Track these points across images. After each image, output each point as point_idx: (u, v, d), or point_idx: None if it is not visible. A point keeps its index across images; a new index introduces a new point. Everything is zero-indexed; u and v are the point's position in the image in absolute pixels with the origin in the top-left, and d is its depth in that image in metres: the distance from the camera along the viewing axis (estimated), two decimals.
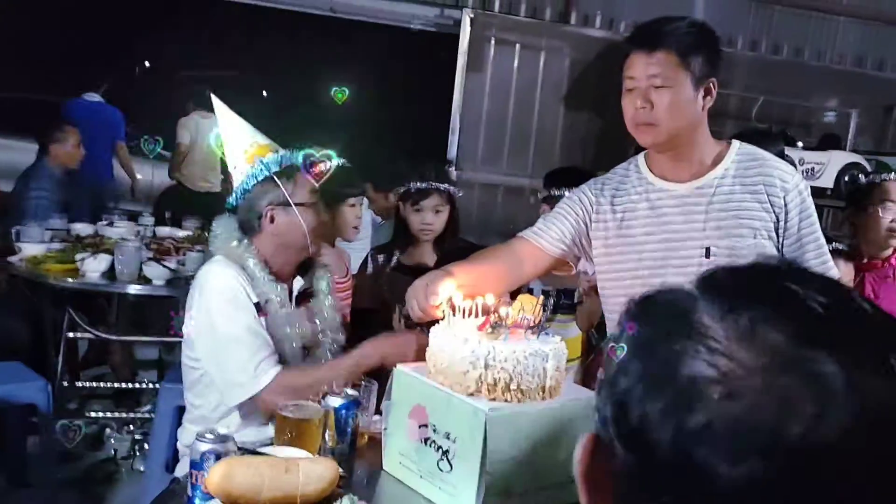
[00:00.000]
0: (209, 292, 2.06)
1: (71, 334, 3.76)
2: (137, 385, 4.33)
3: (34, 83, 6.54)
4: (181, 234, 4.15)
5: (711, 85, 1.82)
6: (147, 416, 3.90)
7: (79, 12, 8.97)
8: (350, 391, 1.76)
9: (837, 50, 6.60)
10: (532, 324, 1.57)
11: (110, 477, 3.47)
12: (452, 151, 6.13)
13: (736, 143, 1.93)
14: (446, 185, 2.96)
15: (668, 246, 1.89)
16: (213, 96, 2.27)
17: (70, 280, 3.27)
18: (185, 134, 6.31)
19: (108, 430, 3.74)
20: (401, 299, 2.98)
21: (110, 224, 3.99)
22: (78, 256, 3.28)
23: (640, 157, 2.01)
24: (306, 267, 2.28)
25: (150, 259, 3.36)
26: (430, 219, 2.92)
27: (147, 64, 10.69)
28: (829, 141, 5.99)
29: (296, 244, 2.18)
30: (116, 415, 3.87)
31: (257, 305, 2.10)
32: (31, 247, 3.40)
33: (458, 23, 6.05)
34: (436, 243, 3.00)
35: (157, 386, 4.16)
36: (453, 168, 6.04)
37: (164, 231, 4.15)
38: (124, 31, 9.16)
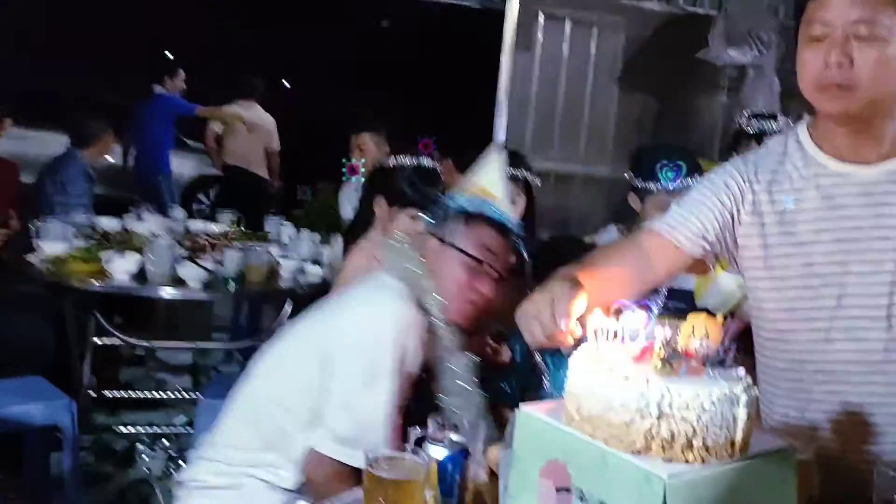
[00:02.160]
0: (376, 338, 1.68)
1: (98, 340, 3.43)
2: (171, 395, 4.00)
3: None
4: (216, 228, 3.79)
5: None
6: (183, 429, 3.56)
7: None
8: (454, 436, 1.37)
9: None
10: (713, 354, 1.17)
11: (146, 501, 3.11)
12: (500, 135, 5.72)
13: None
14: (523, 172, 2.56)
15: (849, 248, 1.48)
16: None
17: (96, 282, 2.91)
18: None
19: (139, 447, 3.39)
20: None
21: (138, 218, 3.63)
22: (104, 256, 2.92)
23: (802, 130, 1.59)
24: None
25: (184, 258, 2.99)
26: None
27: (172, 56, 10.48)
28: None
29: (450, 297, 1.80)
30: (149, 430, 3.52)
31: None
32: (52, 245, 3.04)
33: None
34: None
35: (193, 395, 3.84)
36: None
37: (197, 226, 3.79)
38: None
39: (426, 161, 2.40)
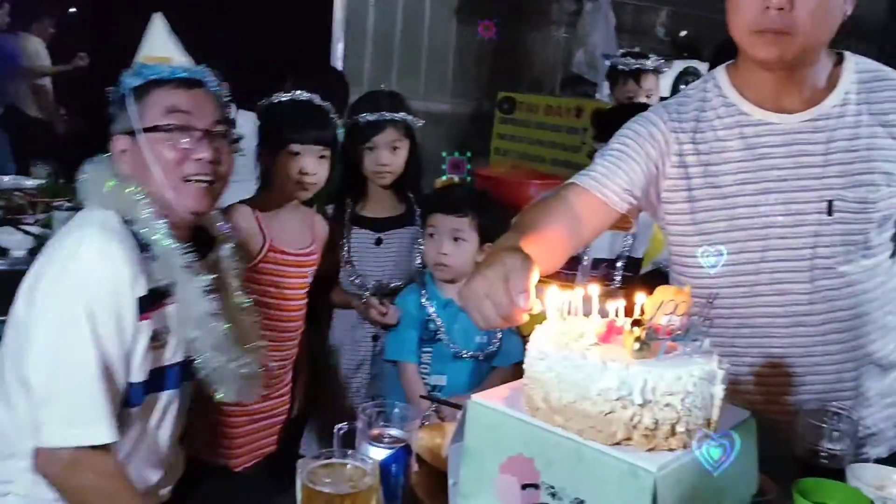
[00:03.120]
0: (68, 286, 1.39)
1: None
2: None
3: None
4: (30, 183, 3.31)
5: None
6: None
7: None
8: (394, 430, 1.23)
9: None
10: (680, 328, 1.09)
11: None
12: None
13: (850, 58, 1.49)
14: (403, 115, 2.39)
15: (772, 199, 1.45)
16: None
17: None
18: None
19: None
20: (365, 264, 2.45)
21: None
22: None
23: (722, 75, 1.54)
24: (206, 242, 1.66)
25: (1, 222, 2.57)
26: (386, 158, 2.36)
27: None
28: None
29: (156, 187, 1.51)
30: None
31: (144, 300, 1.45)
32: None
33: None
34: (395, 189, 2.45)
35: None
36: None
37: (6, 182, 3.28)
38: None
39: (302, 94, 2.18)
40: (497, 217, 2.15)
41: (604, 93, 5.09)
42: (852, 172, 1.42)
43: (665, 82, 5.35)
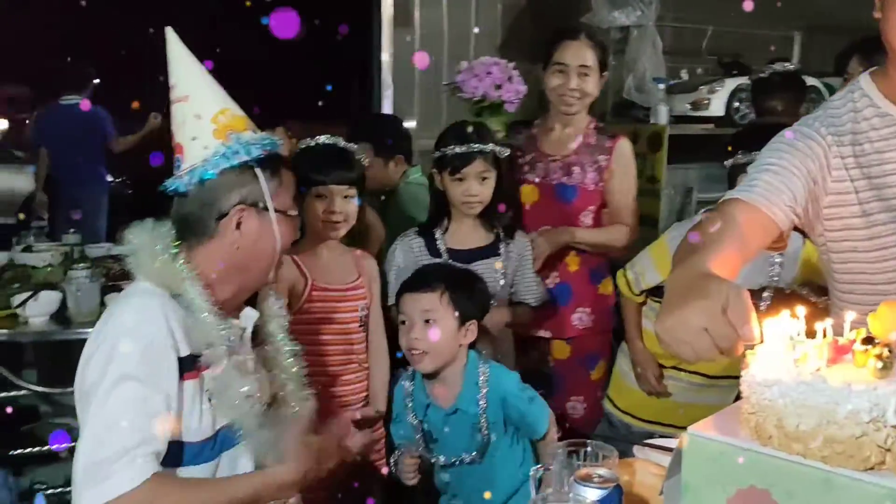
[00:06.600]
0: (113, 337, 1.42)
1: None
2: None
3: None
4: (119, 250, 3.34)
5: None
6: None
7: None
8: (602, 470, 1.19)
9: None
10: None
11: None
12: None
13: None
14: (491, 146, 2.41)
15: None
16: (171, 32, 1.59)
17: (6, 331, 2.46)
18: None
19: None
20: None
21: (28, 249, 3.12)
22: (16, 299, 2.47)
23: (868, 83, 1.50)
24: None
25: (108, 289, 2.60)
26: (475, 189, 2.39)
27: None
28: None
29: (258, 266, 1.61)
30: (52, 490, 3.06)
31: (186, 360, 1.47)
32: None
33: None
34: (482, 217, 2.47)
35: None
36: None
37: (97, 251, 3.32)
38: None
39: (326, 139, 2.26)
40: (474, 290, 2.12)
41: (659, 116, 5.06)
42: None
43: (718, 102, 5.33)
